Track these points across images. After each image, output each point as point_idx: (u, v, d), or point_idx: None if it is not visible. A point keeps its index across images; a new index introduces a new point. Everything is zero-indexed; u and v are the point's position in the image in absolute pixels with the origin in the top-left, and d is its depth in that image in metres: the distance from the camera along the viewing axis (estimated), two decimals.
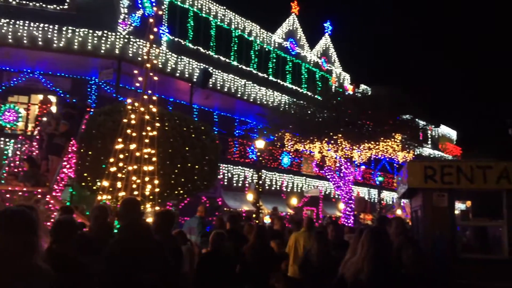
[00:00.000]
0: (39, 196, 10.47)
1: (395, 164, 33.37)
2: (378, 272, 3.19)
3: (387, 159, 25.96)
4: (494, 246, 6.49)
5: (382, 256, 3.28)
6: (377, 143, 18.30)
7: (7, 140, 15.01)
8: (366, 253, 3.28)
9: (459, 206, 10.98)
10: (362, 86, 31.71)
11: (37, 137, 13.23)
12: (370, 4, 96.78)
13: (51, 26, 16.54)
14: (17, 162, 12.70)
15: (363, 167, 27.51)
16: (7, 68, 17.94)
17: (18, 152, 13.18)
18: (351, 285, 3.27)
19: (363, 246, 3.34)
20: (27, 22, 16.34)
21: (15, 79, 17.99)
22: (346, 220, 19.26)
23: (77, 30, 16.76)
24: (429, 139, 40.71)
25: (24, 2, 17.70)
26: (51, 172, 11.68)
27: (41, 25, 16.46)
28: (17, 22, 16.25)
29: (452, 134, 48.12)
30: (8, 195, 10.17)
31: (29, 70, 18.10)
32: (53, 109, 16.41)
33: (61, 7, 18.09)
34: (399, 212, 29.75)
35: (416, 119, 20.28)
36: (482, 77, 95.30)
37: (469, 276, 5.48)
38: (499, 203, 5.81)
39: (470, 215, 7.72)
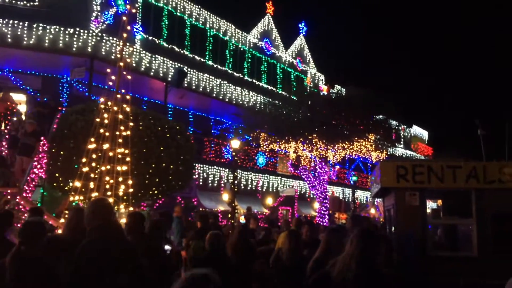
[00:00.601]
0: (9, 197, 10.19)
1: (369, 164, 33.88)
2: (365, 270, 3.21)
3: (361, 159, 26.32)
4: (464, 244, 6.65)
5: (370, 255, 3.31)
6: (351, 143, 18.54)
7: None
8: (354, 251, 3.30)
9: (431, 205, 11.21)
10: (337, 87, 32.07)
11: (7, 136, 12.87)
12: (344, 5, 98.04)
13: (21, 23, 16.12)
14: None
15: (337, 166, 27.82)
16: None
17: None
18: (337, 283, 3.27)
19: (351, 245, 3.37)
20: None
21: None
22: (321, 220, 19.44)
23: (48, 27, 16.38)
24: (402, 139, 41.47)
25: None
26: (21, 173, 11.40)
27: (11, 21, 16.02)
28: None
29: (424, 134, 49.17)
30: None
31: None
32: (22, 107, 15.99)
33: (31, 3, 17.62)
34: (372, 211, 30.22)
35: (389, 120, 20.63)
36: (453, 78, 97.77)
37: (439, 273, 5.61)
38: (469, 201, 5.96)
39: (441, 213, 7.91)
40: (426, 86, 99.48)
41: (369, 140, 18.70)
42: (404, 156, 39.04)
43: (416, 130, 46.83)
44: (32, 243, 3.63)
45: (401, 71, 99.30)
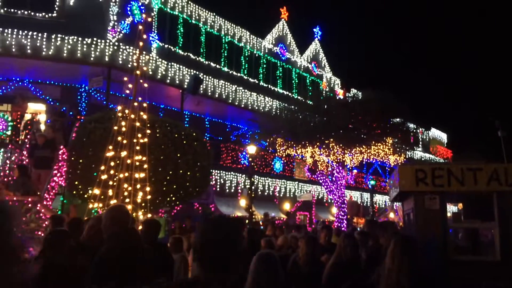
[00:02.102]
0: (30, 205, 10.36)
1: (387, 168, 33.53)
2: (418, 283, 3.09)
3: (379, 162, 26.07)
4: (486, 248, 6.51)
5: (417, 266, 3.19)
6: (369, 147, 18.37)
7: None
8: (401, 266, 3.14)
9: (451, 209, 11.02)
10: (353, 90, 31.89)
11: (27, 145, 13.10)
12: (359, 8, 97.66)
13: (40, 34, 16.45)
14: (7, 171, 12.56)
15: (355, 171, 27.59)
16: None
17: (7, 161, 13.04)
18: None
19: (394, 258, 3.20)
20: (15, 30, 16.23)
21: (4, 88, 17.85)
22: (339, 224, 19.26)
23: (66, 37, 16.68)
24: (420, 142, 40.98)
25: (12, 10, 17.59)
26: (40, 184, 11.53)
27: (30, 33, 16.36)
28: (6, 30, 16.13)
29: (443, 136, 48.51)
30: None
31: (18, 79, 17.96)
32: (42, 117, 16.26)
33: (50, 15, 18.00)
34: (392, 215, 29.83)
35: (407, 123, 20.40)
36: (471, 79, 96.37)
37: (461, 277, 5.50)
38: (491, 205, 5.84)
39: (462, 217, 7.76)
40: (444, 88, 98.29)
41: (387, 143, 18.51)
42: (423, 159, 38.54)
43: (434, 132, 46.23)
44: (56, 250, 3.75)
45: (419, 73, 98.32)
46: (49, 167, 11.85)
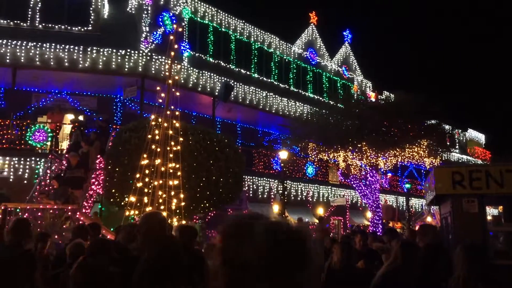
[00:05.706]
0: (70, 213, 10.70)
1: (422, 171, 32.81)
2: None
3: (414, 165, 25.53)
4: None
5: (488, 273, 3.15)
6: (403, 149, 18.04)
7: (38, 159, 15.42)
8: (467, 273, 3.13)
9: (492, 211, 10.67)
10: (385, 93, 31.40)
11: (66, 155, 13.52)
12: (389, 9, 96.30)
13: (76, 47, 17.01)
14: (48, 181, 13.01)
15: (389, 174, 27.14)
16: (36, 90, 18.49)
17: (48, 171, 13.51)
18: None
19: (460, 265, 3.19)
20: (53, 44, 16.83)
21: (43, 100, 18.52)
22: (374, 229, 18.96)
23: (101, 50, 17.18)
24: (457, 144, 39.88)
25: (50, 25, 18.29)
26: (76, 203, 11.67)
27: (67, 46, 16.93)
28: (44, 44, 16.76)
29: (481, 137, 47.02)
30: (39, 213, 10.43)
31: (56, 91, 18.60)
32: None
33: (85, 28, 18.62)
34: (429, 219, 29.10)
35: (442, 124, 19.93)
36: (509, 78, 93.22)
37: (502, 282, 5.32)
38: None
39: (502, 220, 7.52)
40: (481, 87, 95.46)
41: (422, 145, 18.12)
42: (460, 161, 37.47)
43: (471, 133, 44.88)
44: (98, 256, 3.88)
45: (454, 73, 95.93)
46: (81, 187, 12.02)
